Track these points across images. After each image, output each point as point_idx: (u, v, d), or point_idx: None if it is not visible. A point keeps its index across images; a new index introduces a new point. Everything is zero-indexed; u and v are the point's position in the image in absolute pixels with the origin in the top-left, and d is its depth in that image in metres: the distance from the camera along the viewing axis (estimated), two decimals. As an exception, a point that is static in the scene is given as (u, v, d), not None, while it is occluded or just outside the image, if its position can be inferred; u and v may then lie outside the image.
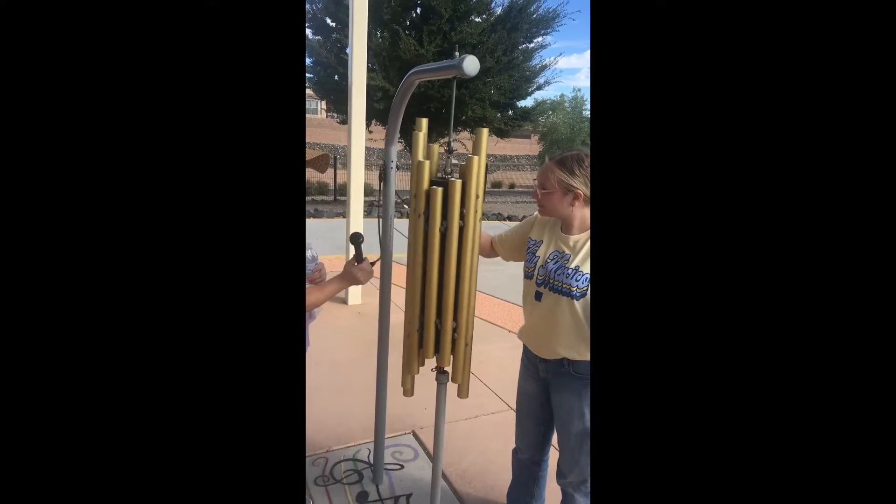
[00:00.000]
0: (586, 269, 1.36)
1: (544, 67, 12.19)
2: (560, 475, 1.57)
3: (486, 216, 10.35)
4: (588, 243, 1.38)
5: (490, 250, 1.71)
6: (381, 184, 1.69)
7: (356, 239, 1.48)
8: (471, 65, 1.18)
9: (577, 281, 1.36)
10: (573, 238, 1.42)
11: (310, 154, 1.44)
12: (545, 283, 1.43)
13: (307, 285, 1.49)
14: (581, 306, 1.36)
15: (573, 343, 1.39)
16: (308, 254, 1.52)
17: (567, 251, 1.41)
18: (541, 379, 1.54)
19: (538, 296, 1.45)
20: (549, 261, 1.44)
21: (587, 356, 1.39)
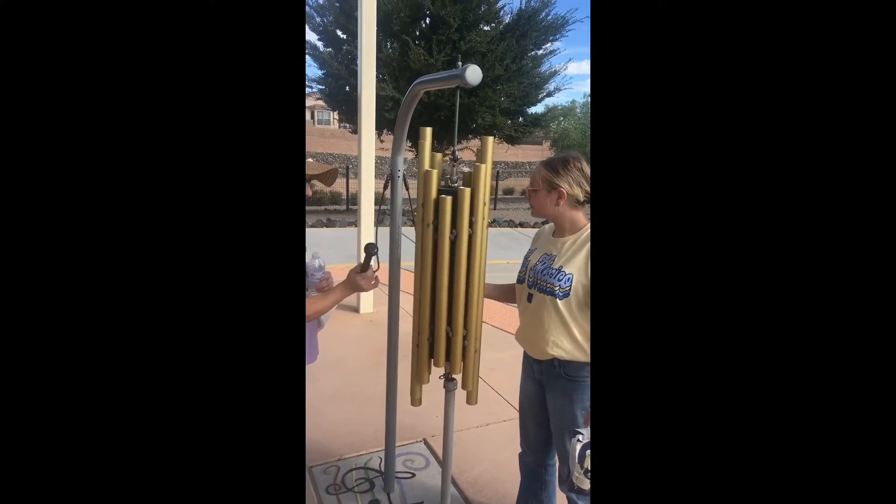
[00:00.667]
0: (569, 269, 1.40)
1: (554, 73, 12.20)
2: (562, 481, 1.56)
3: (497, 223, 10.35)
4: (576, 244, 1.42)
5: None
6: (385, 191, 1.71)
7: (370, 249, 1.51)
8: (473, 74, 1.20)
9: (559, 281, 1.40)
10: (562, 240, 1.47)
11: (320, 167, 1.45)
12: (534, 284, 1.48)
13: (314, 294, 1.50)
14: (564, 306, 1.40)
15: (560, 341, 1.43)
16: (316, 263, 1.53)
17: (554, 252, 1.47)
18: (537, 380, 1.57)
19: (529, 297, 1.51)
20: (538, 263, 1.50)
21: (577, 356, 1.43)
